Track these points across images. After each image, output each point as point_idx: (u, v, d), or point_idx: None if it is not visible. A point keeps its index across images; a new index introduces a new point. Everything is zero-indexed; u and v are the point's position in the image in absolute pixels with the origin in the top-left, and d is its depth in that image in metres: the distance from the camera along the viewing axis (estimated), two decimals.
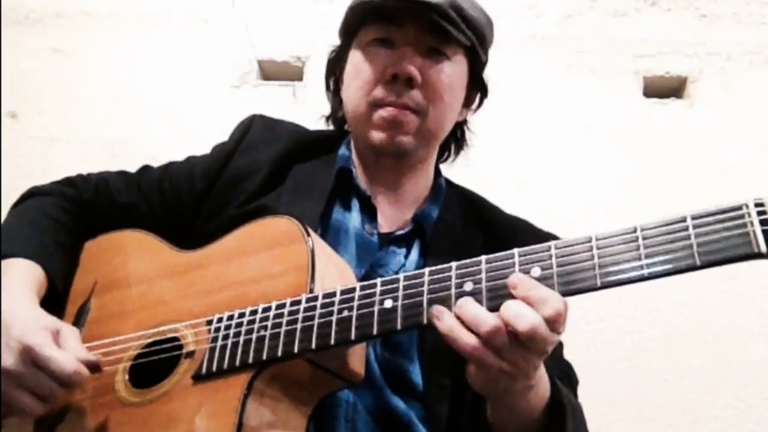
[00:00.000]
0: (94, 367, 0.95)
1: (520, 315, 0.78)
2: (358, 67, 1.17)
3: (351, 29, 1.21)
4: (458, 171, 1.37)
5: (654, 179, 2.12)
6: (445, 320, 0.81)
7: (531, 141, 2.20)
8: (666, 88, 2.27)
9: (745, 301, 2.01)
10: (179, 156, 1.33)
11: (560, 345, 1.17)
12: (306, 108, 1.36)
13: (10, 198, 1.25)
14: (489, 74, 1.28)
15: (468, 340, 0.80)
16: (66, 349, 0.93)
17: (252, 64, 2.31)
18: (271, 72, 2.35)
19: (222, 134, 1.31)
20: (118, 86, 2.28)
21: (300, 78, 2.28)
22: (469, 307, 0.81)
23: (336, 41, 1.28)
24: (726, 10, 2.28)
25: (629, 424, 1.93)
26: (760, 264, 1.96)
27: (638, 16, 2.30)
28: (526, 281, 0.80)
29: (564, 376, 1.11)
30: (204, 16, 2.35)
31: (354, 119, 1.20)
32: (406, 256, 1.14)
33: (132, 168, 1.32)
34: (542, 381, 0.91)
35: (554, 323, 0.79)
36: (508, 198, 1.50)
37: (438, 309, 0.82)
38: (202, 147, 1.32)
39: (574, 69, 2.26)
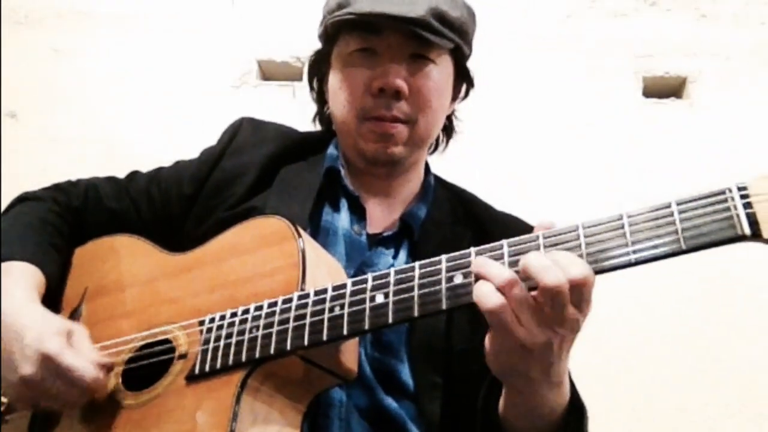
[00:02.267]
0: (108, 368, 0.97)
1: (545, 268, 0.75)
2: (342, 79, 1.15)
3: (330, 36, 1.18)
4: (458, 170, 1.37)
5: (653, 179, 2.12)
6: (478, 260, 0.80)
7: (531, 140, 2.20)
8: (666, 88, 2.27)
9: (744, 301, 2.01)
10: (179, 156, 1.32)
11: None
12: (305, 108, 1.36)
13: (10, 198, 1.25)
14: (489, 75, 1.27)
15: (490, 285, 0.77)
16: (81, 353, 0.94)
17: (252, 64, 2.31)
18: (271, 72, 2.35)
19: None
20: (118, 86, 2.28)
21: (300, 78, 2.28)
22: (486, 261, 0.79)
23: None
24: (726, 10, 2.28)
25: (628, 424, 1.93)
26: (758, 264, 1.95)
27: (638, 16, 2.30)
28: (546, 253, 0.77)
29: None
30: (204, 16, 2.35)
31: (343, 131, 1.19)
32: (395, 257, 1.14)
33: (130, 168, 1.31)
34: (566, 382, 0.90)
35: (580, 290, 0.75)
36: (508, 197, 1.50)
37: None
38: (202, 147, 1.31)
39: (574, 69, 2.26)
